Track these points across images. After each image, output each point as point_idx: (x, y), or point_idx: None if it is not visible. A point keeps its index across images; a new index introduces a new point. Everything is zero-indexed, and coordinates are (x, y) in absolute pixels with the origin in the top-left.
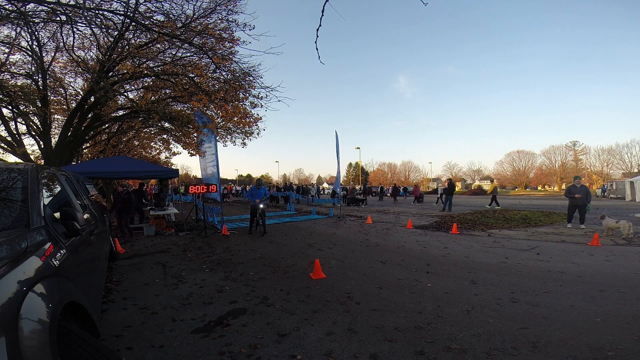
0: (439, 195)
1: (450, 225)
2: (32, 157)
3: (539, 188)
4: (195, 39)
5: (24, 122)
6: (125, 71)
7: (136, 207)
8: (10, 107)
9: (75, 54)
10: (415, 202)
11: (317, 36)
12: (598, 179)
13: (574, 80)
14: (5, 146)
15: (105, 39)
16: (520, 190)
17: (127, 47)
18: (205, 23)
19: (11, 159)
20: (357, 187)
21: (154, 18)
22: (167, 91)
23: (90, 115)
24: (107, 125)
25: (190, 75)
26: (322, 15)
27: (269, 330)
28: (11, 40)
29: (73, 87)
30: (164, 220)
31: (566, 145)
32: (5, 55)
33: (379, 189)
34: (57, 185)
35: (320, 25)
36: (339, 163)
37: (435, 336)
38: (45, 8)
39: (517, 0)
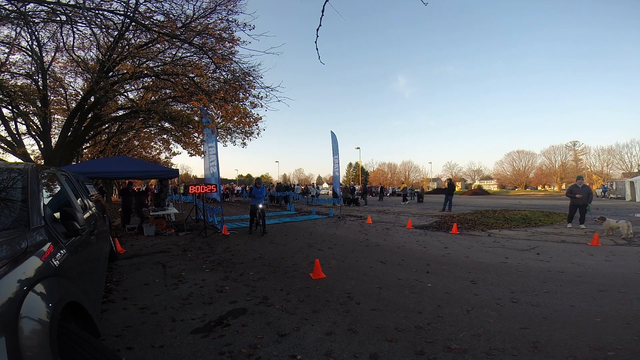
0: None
1: (450, 225)
2: (32, 157)
3: (539, 188)
4: (195, 39)
5: (24, 122)
6: (125, 71)
7: (136, 208)
8: (10, 107)
9: (75, 54)
10: (360, 198)
11: (317, 36)
12: (598, 179)
13: (574, 79)
14: (5, 146)
15: (105, 39)
16: (520, 190)
17: (127, 47)
18: (205, 23)
19: (11, 159)
20: (357, 187)
21: (154, 18)
22: (167, 91)
23: (90, 115)
24: (107, 125)
25: (190, 75)
26: (322, 15)
27: (269, 330)
28: (11, 40)
29: (73, 87)
30: (164, 220)
31: (566, 145)
32: (5, 55)
33: (379, 189)
34: (57, 185)
35: (320, 25)
36: (336, 163)
37: (435, 336)
38: (45, 8)
39: (517, 0)
